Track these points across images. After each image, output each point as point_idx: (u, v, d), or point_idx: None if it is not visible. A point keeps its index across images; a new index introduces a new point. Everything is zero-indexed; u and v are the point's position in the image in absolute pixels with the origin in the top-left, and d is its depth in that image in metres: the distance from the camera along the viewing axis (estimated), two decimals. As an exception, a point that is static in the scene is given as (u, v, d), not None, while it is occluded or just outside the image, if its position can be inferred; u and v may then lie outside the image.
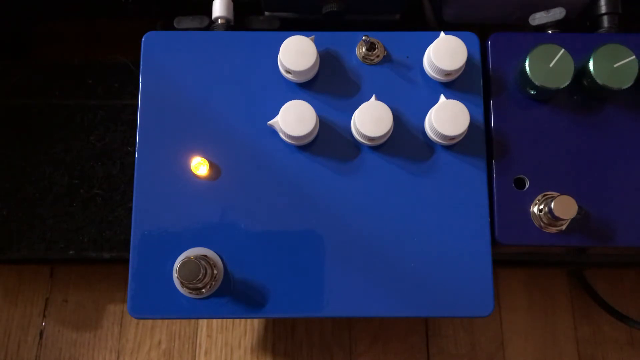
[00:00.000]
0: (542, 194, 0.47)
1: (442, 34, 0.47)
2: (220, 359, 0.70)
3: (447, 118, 0.45)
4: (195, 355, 0.70)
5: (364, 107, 0.46)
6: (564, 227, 0.47)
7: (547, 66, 0.47)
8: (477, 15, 0.61)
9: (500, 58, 0.50)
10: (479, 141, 0.48)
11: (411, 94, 0.49)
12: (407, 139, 0.48)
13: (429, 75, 0.48)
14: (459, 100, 0.46)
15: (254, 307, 0.46)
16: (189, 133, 0.48)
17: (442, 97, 0.46)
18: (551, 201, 0.45)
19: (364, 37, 0.49)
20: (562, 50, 0.47)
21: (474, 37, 0.49)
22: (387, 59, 0.49)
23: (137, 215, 0.47)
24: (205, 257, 0.44)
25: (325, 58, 0.49)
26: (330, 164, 0.47)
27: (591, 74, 0.47)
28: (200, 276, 0.43)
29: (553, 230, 0.47)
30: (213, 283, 0.45)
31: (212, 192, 0.47)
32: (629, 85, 0.47)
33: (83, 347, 0.70)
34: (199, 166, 0.47)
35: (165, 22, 0.64)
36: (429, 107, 0.47)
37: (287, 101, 0.46)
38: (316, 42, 0.47)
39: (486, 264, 0.46)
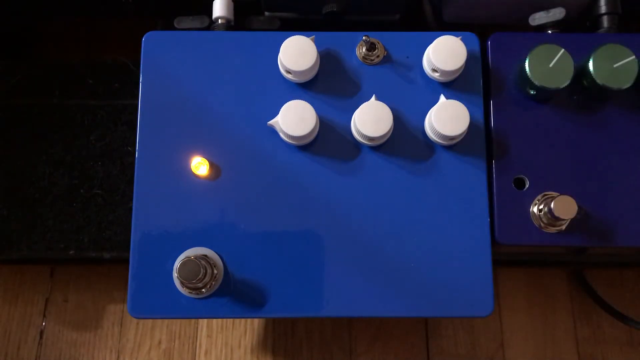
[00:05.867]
0: (542, 194, 0.47)
1: (442, 34, 0.47)
2: (220, 359, 0.70)
3: (447, 118, 0.45)
4: (195, 355, 0.70)
5: (364, 107, 0.46)
6: (563, 227, 0.47)
7: (547, 66, 0.47)
8: (477, 15, 0.61)
9: (500, 58, 0.50)
10: (479, 141, 0.48)
11: (411, 94, 0.49)
12: (407, 139, 0.48)
13: (429, 75, 0.48)
14: (459, 100, 0.46)
15: (254, 307, 0.46)
16: (189, 133, 0.48)
17: (442, 97, 0.46)
18: (551, 201, 0.45)
19: (364, 37, 0.49)
20: (562, 50, 0.47)
21: (474, 37, 0.49)
22: (387, 59, 0.49)
23: (137, 215, 0.47)
24: (205, 257, 0.44)
25: (325, 58, 0.49)
26: (331, 164, 0.47)
27: (591, 74, 0.47)
28: (200, 276, 0.43)
29: (553, 230, 0.47)
30: (213, 283, 0.45)
31: (212, 192, 0.47)
32: (628, 85, 0.47)
33: (83, 347, 0.70)
34: (199, 166, 0.47)
35: (166, 22, 0.64)
36: (429, 107, 0.47)
37: (287, 101, 0.46)
38: (316, 42, 0.47)
39: (486, 264, 0.46)
